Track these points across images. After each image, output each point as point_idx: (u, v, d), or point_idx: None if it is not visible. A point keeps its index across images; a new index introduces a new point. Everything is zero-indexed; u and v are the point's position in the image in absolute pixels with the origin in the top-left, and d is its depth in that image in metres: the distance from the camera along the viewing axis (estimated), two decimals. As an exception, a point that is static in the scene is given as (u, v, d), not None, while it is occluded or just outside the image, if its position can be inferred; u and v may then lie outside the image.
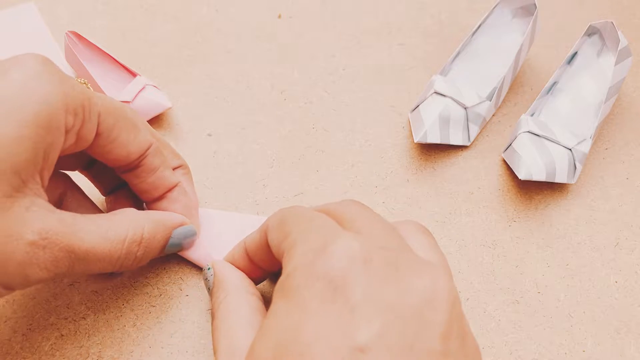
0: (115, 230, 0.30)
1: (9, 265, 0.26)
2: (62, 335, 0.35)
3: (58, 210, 0.29)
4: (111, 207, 0.36)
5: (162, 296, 0.36)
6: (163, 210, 0.35)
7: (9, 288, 0.27)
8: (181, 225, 0.35)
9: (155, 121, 0.44)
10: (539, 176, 0.40)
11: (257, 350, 0.24)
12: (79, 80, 0.35)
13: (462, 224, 0.41)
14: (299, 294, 0.23)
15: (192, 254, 0.37)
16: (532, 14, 0.48)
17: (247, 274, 0.33)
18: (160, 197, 0.35)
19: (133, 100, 0.43)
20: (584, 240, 0.40)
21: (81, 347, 0.34)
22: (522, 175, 0.39)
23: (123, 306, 0.36)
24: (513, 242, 0.40)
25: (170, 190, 0.35)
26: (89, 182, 0.37)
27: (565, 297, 0.38)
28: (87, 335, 0.35)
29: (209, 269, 0.34)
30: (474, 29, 0.47)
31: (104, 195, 0.37)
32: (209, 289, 0.33)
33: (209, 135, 0.44)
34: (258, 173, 0.43)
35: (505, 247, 0.40)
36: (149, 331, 0.35)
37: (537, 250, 0.40)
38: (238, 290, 0.31)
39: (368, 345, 0.22)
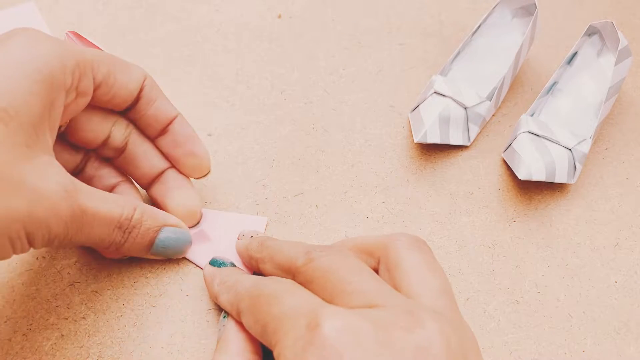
0: (115, 204, 0.32)
1: (36, 212, 0.27)
2: (63, 336, 0.35)
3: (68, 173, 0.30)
4: None
5: (162, 296, 0.36)
6: (168, 144, 0.37)
7: (32, 243, 0.28)
8: (173, 226, 0.35)
9: (156, 121, 0.45)
10: (539, 176, 0.40)
11: None
12: None
13: (462, 224, 0.41)
14: None
15: (192, 255, 0.37)
16: (532, 14, 0.48)
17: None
18: (164, 131, 0.36)
19: (133, 100, 0.43)
20: (584, 240, 0.40)
21: (81, 347, 0.34)
22: (522, 176, 0.39)
23: (123, 306, 0.36)
24: (513, 242, 0.40)
25: (171, 122, 0.36)
26: None
27: (565, 297, 0.38)
28: (87, 335, 0.35)
29: (224, 317, 0.33)
30: (474, 29, 0.47)
31: None
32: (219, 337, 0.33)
33: (209, 135, 0.44)
34: (258, 173, 0.43)
35: (505, 247, 0.40)
36: (149, 331, 0.35)
37: (537, 250, 0.40)
38: (238, 355, 0.30)
39: None
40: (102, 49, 0.46)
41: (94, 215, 0.30)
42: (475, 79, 0.47)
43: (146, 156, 0.36)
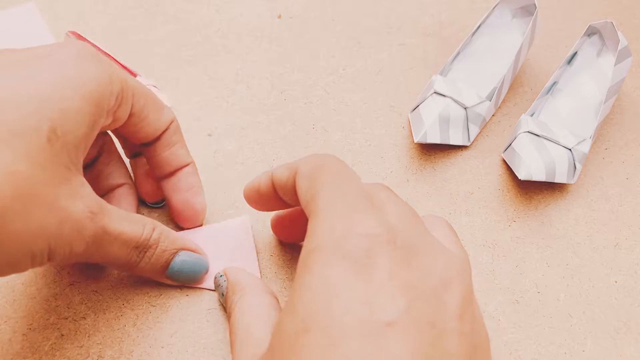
0: (136, 218, 0.32)
1: (63, 230, 0.27)
2: (63, 335, 0.35)
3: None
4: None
5: (162, 296, 0.36)
6: (170, 187, 0.37)
7: (51, 258, 0.28)
8: (191, 250, 0.35)
9: (156, 121, 0.45)
10: (539, 176, 0.40)
11: (284, 324, 0.24)
12: None
13: (462, 224, 0.41)
14: (325, 270, 0.24)
15: None
16: (532, 14, 0.48)
17: (270, 203, 0.34)
18: (171, 174, 0.37)
19: (133, 100, 0.43)
20: (584, 240, 0.40)
21: (81, 347, 0.34)
22: (522, 176, 0.40)
23: (123, 306, 0.36)
24: (513, 242, 0.40)
25: (181, 168, 0.37)
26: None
27: (565, 297, 0.38)
28: (87, 335, 0.35)
29: (221, 275, 0.34)
30: (474, 29, 0.47)
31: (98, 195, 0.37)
32: (222, 294, 0.34)
33: (209, 135, 0.44)
34: (258, 173, 0.43)
35: (505, 247, 0.40)
36: (149, 331, 0.35)
37: (537, 250, 0.40)
38: (253, 289, 0.32)
39: (395, 320, 0.23)
40: (102, 49, 0.46)
41: (116, 236, 0.31)
42: (475, 79, 0.47)
43: (171, 154, 0.37)
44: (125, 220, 0.32)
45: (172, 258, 0.34)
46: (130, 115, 0.32)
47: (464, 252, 0.29)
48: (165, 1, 0.53)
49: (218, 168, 0.43)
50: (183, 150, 0.36)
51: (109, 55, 0.46)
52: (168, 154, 0.36)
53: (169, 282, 0.36)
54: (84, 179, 0.30)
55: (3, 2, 0.52)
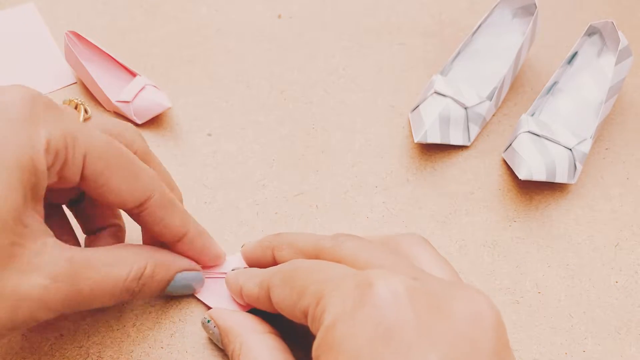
0: (118, 267, 0.30)
1: (20, 309, 0.26)
2: (62, 336, 0.35)
3: (67, 247, 0.28)
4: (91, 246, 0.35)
5: (161, 296, 0.36)
6: (184, 249, 0.34)
7: (15, 329, 0.27)
8: (186, 269, 0.34)
9: (155, 121, 0.44)
10: (539, 176, 0.40)
11: None
12: (74, 100, 0.32)
13: (462, 224, 0.41)
14: (348, 344, 0.22)
15: (205, 298, 0.36)
16: (532, 14, 0.48)
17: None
18: (175, 241, 0.33)
19: (133, 100, 0.43)
20: (584, 240, 0.40)
21: (81, 347, 0.34)
22: (522, 175, 0.39)
23: (123, 306, 0.36)
24: (513, 242, 0.40)
25: (180, 239, 0.33)
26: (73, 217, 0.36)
27: (565, 297, 0.38)
28: (86, 335, 0.35)
29: (208, 321, 0.33)
30: (474, 29, 0.47)
31: (84, 234, 0.36)
32: (217, 340, 0.32)
33: (209, 135, 0.44)
34: (258, 173, 0.43)
35: (505, 247, 0.40)
36: (149, 331, 0.35)
37: (537, 250, 0.40)
38: (251, 334, 0.30)
39: None
40: (103, 49, 0.46)
41: (93, 290, 0.28)
42: (476, 79, 0.47)
43: (163, 227, 0.33)
44: (107, 266, 0.29)
45: (169, 282, 0.33)
46: (84, 177, 0.28)
47: (454, 271, 0.28)
48: (165, 1, 0.53)
49: (218, 168, 0.43)
50: (174, 222, 0.32)
51: (108, 55, 0.46)
52: (160, 229, 0.32)
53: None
54: (45, 238, 0.27)
55: (3, 2, 0.52)
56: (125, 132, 0.32)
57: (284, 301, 0.27)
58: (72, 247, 0.28)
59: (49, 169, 0.27)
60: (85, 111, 0.31)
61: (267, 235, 0.34)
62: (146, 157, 0.33)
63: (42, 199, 0.27)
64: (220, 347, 0.33)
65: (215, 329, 0.32)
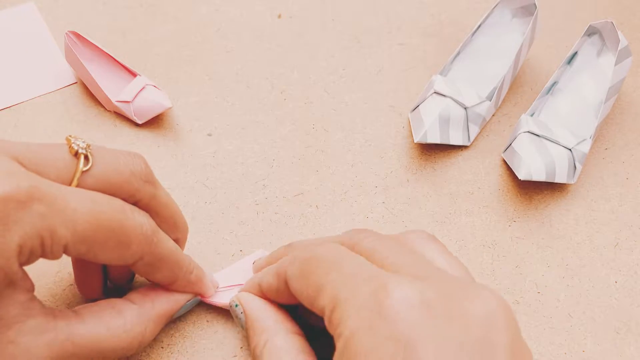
0: (112, 341, 0.29)
1: None
2: (62, 335, 0.35)
3: (50, 327, 0.27)
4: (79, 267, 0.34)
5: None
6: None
7: None
8: (185, 302, 0.34)
9: (155, 121, 0.45)
10: (539, 176, 0.40)
11: None
12: (77, 145, 0.28)
13: (462, 224, 0.41)
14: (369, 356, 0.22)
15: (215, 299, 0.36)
16: (532, 14, 0.48)
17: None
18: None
19: (133, 100, 0.43)
20: (584, 240, 0.40)
21: (81, 347, 0.34)
22: (522, 176, 0.39)
23: (123, 306, 0.36)
24: (513, 242, 0.40)
25: (171, 284, 0.33)
26: None
27: (565, 297, 0.38)
28: (87, 335, 0.35)
29: (236, 305, 0.32)
30: (474, 29, 0.47)
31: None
32: (242, 327, 0.32)
33: (209, 135, 0.44)
34: (258, 173, 0.43)
35: (505, 247, 0.40)
36: (149, 331, 0.35)
37: (537, 250, 0.40)
38: (278, 332, 0.29)
39: None
40: (103, 48, 0.46)
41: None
42: (475, 79, 0.47)
43: (159, 279, 0.33)
44: (98, 342, 0.28)
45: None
46: (68, 254, 0.27)
47: (464, 267, 0.28)
48: (165, 1, 0.53)
49: (218, 168, 0.43)
50: (165, 274, 0.31)
51: (108, 55, 0.46)
52: (149, 277, 0.32)
53: None
54: (20, 325, 0.26)
55: (3, 2, 0.52)
56: (130, 178, 0.29)
57: (302, 294, 0.27)
58: (58, 322, 0.27)
59: (23, 264, 0.26)
60: (86, 158, 0.28)
61: (277, 250, 0.34)
62: (152, 202, 0.31)
63: (18, 270, 0.26)
64: (243, 332, 0.32)
65: (242, 315, 0.31)
